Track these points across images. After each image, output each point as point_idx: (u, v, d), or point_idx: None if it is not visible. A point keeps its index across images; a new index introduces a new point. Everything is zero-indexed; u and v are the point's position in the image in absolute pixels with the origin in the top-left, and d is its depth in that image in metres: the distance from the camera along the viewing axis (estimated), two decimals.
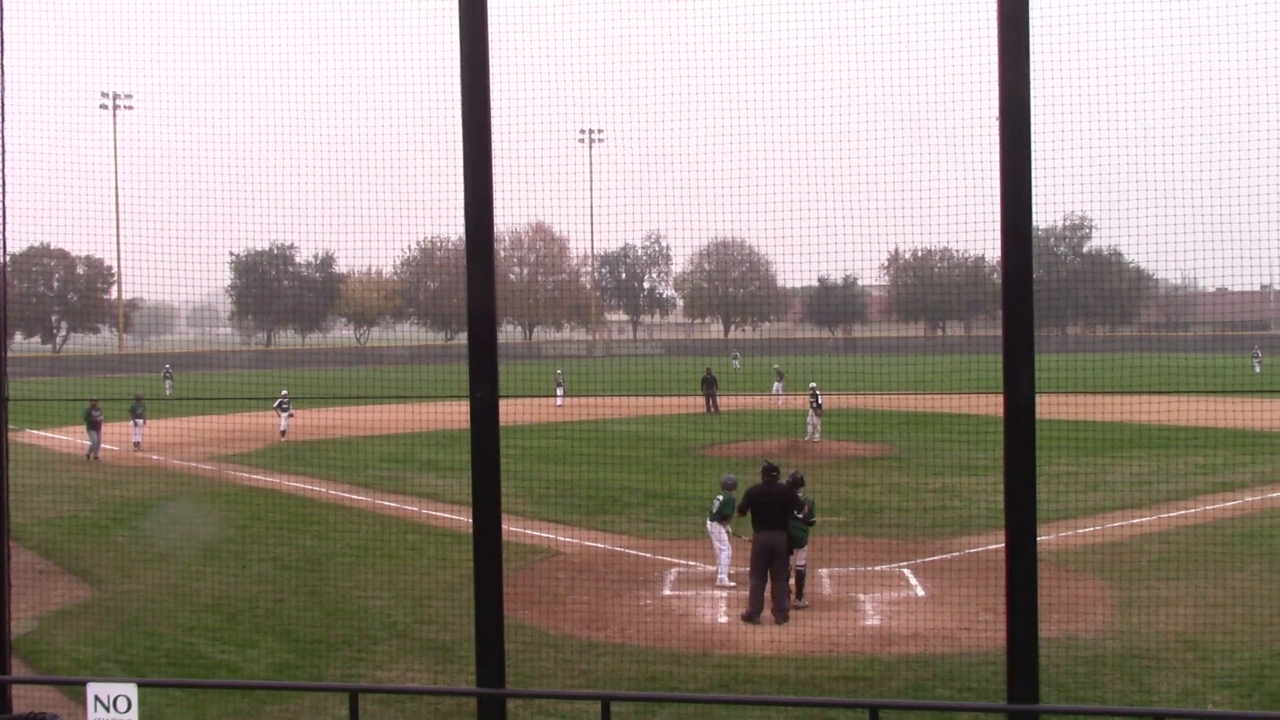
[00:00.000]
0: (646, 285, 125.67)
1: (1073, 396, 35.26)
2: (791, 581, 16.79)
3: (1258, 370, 67.14)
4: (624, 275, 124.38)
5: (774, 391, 54.10)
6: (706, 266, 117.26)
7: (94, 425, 35.17)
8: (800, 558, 17.08)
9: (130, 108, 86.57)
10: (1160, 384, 46.98)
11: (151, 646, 15.48)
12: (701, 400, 50.58)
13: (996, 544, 16.24)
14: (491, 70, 9.47)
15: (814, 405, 37.94)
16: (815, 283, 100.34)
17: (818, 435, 37.63)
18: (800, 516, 16.82)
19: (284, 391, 41.71)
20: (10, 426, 10.46)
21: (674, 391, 53.15)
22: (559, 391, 52.95)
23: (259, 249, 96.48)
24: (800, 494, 17.24)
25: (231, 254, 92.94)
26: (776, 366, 57.53)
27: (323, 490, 28.77)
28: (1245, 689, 13.07)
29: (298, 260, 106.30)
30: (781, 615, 16.13)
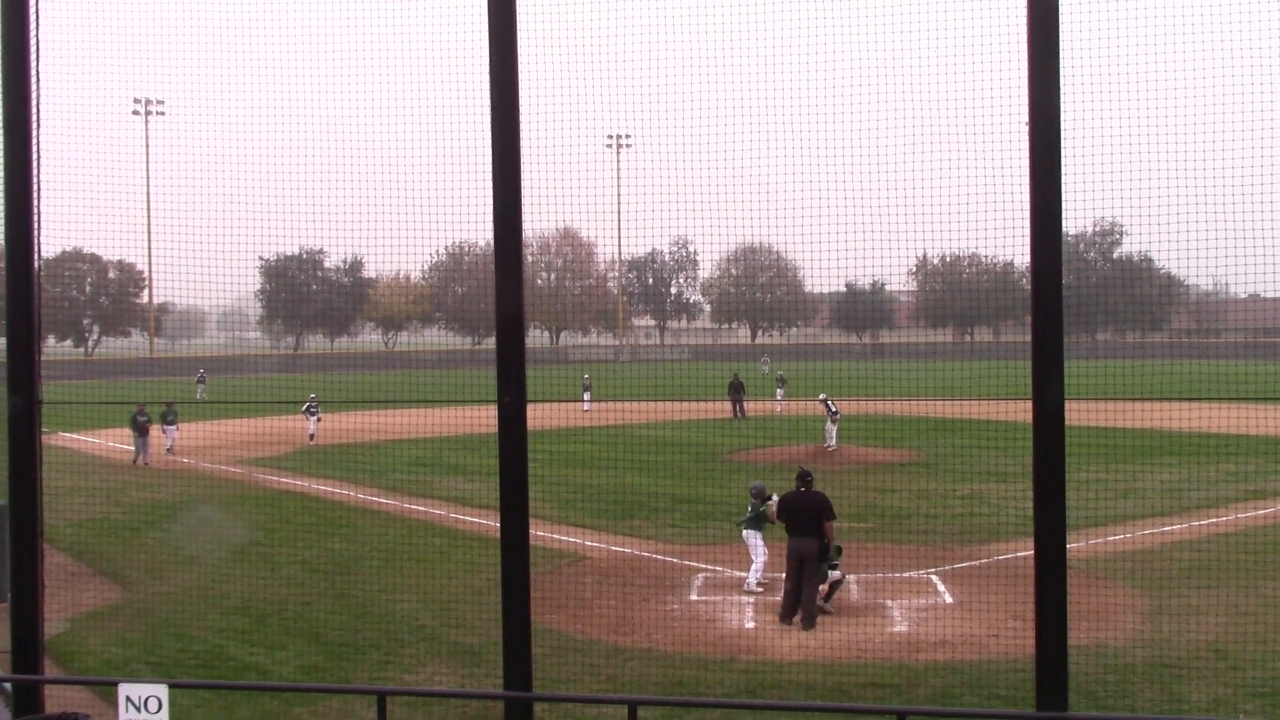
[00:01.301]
0: (673, 290, 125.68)
1: (1103, 403, 35.04)
2: (824, 586, 16.81)
3: None
4: (651, 280, 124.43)
5: (776, 397, 54.11)
6: (733, 271, 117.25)
7: (141, 430, 35.25)
8: (837, 569, 17.12)
9: (162, 114, 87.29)
10: (1191, 390, 46.50)
11: (181, 648, 15.59)
12: (728, 405, 50.55)
13: (1025, 551, 16.14)
14: (520, 75, 9.50)
15: (830, 414, 37.73)
16: (843, 288, 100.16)
17: (834, 442, 37.41)
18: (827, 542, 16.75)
19: (313, 395, 41.93)
20: (43, 429, 10.56)
21: (701, 397, 53.12)
22: (586, 396, 53.06)
23: (288, 254, 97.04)
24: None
25: (261, 259, 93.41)
26: (780, 373, 57.51)
27: (351, 494, 28.91)
28: (1277, 698, 12.95)
29: (326, 265, 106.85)
30: (809, 622, 16.11)
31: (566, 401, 51.36)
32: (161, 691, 8.41)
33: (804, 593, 16.29)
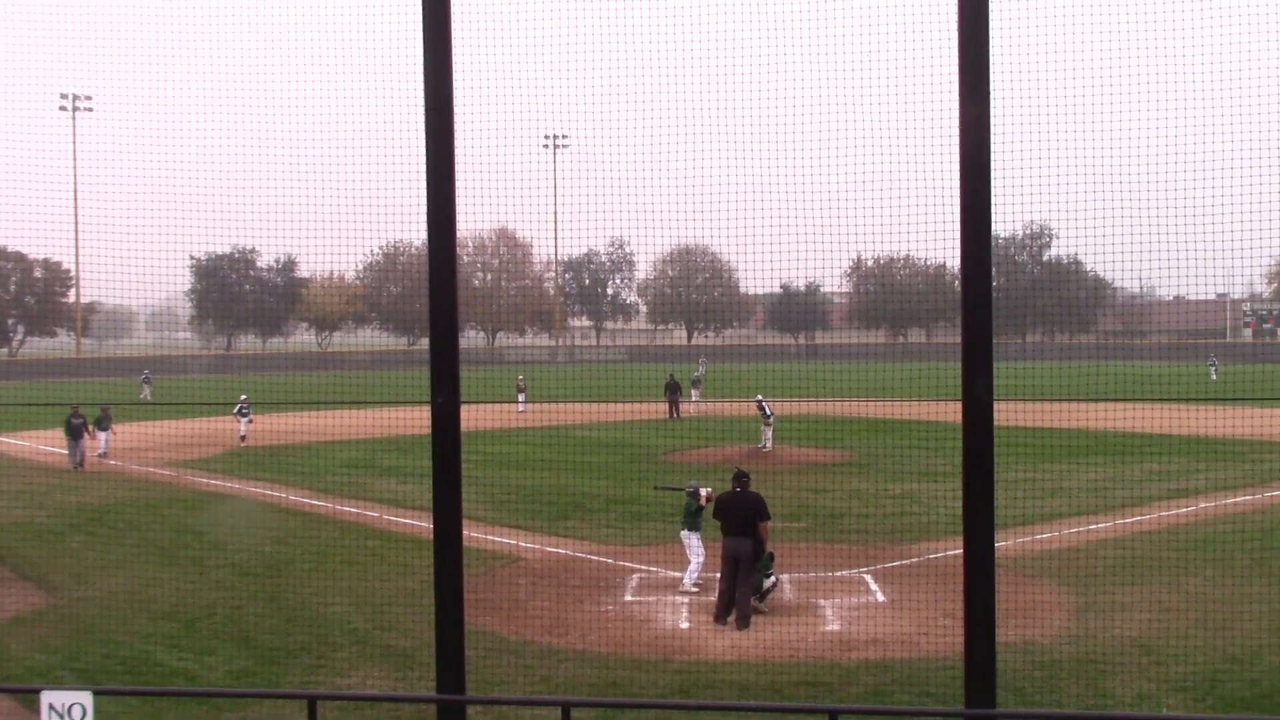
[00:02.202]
0: (610, 291, 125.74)
1: (1032, 403, 35.54)
2: (768, 584, 16.99)
3: (1214, 378, 67.94)
4: (588, 281, 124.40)
5: (692, 399, 54.37)
6: (670, 272, 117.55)
7: (75, 434, 34.43)
8: (771, 576, 17.23)
9: (90, 109, 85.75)
10: (1118, 391, 47.43)
11: (107, 654, 15.31)
12: (664, 406, 50.70)
13: (956, 549, 16.36)
14: (455, 75, 9.45)
15: (764, 416, 37.89)
16: (778, 289, 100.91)
17: (769, 443, 37.60)
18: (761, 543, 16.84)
19: (243, 396, 41.38)
20: None
21: (637, 397, 53.20)
22: (520, 398, 52.91)
23: (220, 252, 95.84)
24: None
25: (192, 257, 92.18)
26: (696, 374, 57.79)
27: (282, 496, 28.57)
28: (1199, 693, 13.23)
29: (259, 264, 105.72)
30: (743, 622, 16.20)
31: (502, 402, 51.21)
32: (86, 699, 8.26)
33: (738, 593, 16.38)
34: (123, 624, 16.71)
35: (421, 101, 9.38)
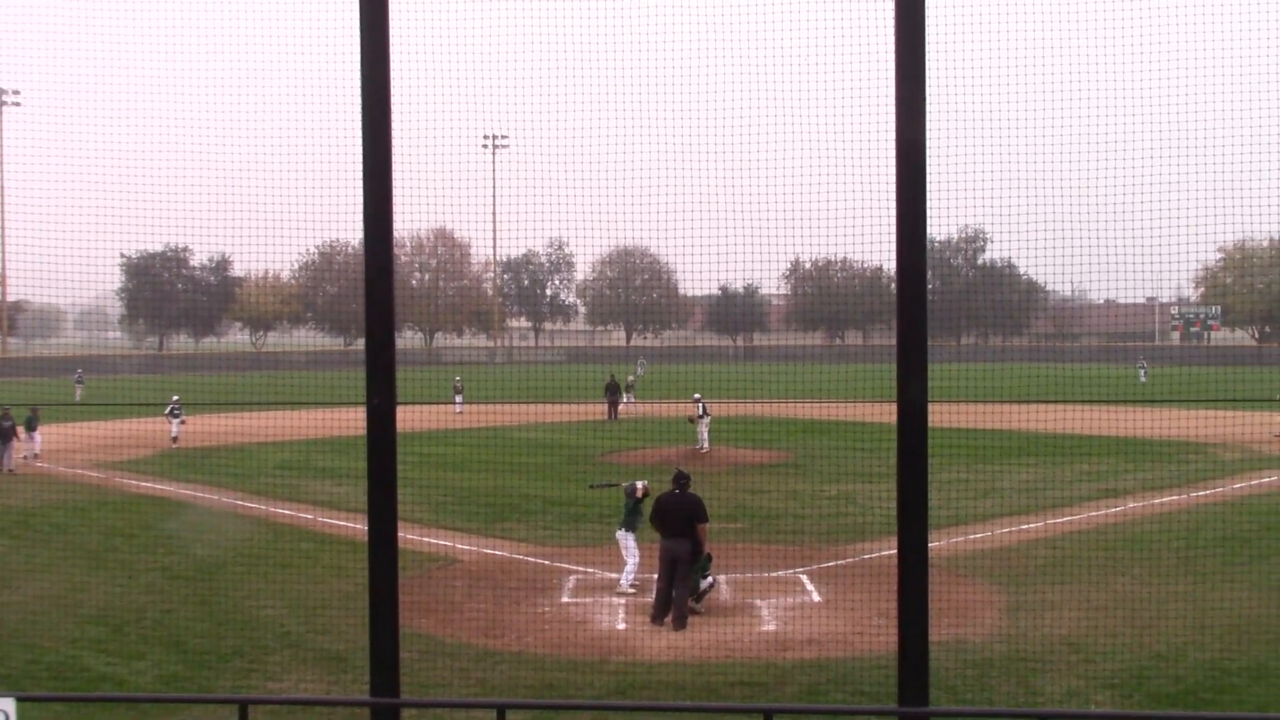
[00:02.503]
0: (549, 292, 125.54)
1: (967, 405, 36.00)
2: (705, 585, 17.05)
3: (1143, 380, 69.21)
4: (527, 282, 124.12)
5: (625, 400, 54.45)
6: (609, 274, 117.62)
7: (4, 436, 33.62)
8: (709, 578, 17.29)
9: (18, 104, 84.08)
10: (1050, 393, 48.18)
11: (32, 659, 14.98)
12: (604, 407, 50.73)
13: (891, 550, 16.52)
14: (393, 73, 9.37)
15: (699, 416, 37.94)
16: (717, 291, 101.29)
17: (706, 445, 37.69)
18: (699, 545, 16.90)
19: (175, 397, 40.75)
20: None
21: (576, 398, 53.16)
22: (458, 399, 52.60)
23: (152, 250, 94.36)
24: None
25: (123, 255, 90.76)
26: (631, 377, 57.91)
27: (215, 498, 28.18)
28: (1126, 689, 13.46)
29: (192, 263, 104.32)
30: (680, 622, 16.23)
31: (439, 403, 50.88)
32: (9, 705, 8.08)
33: (675, 593, 16.42)
34: (48, 629, 16.37)
35: (359, 99, 9.29)
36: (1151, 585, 18.06)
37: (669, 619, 16.35)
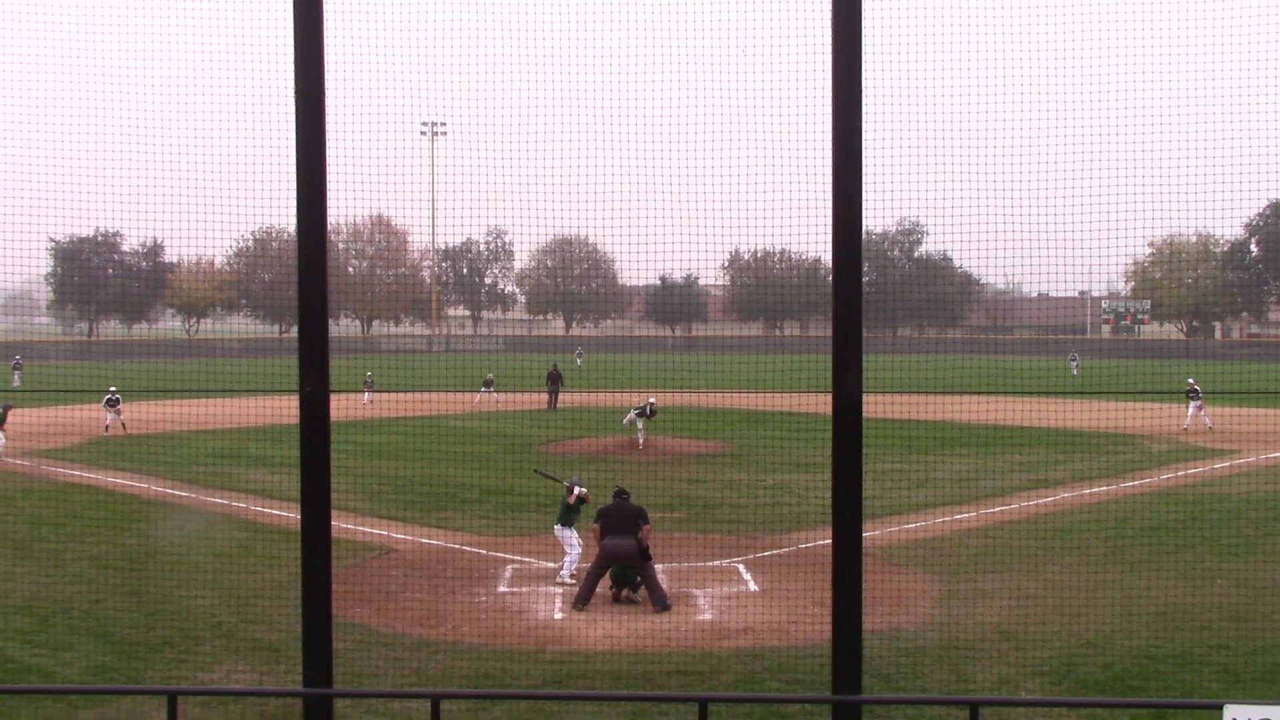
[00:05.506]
0: (488, 280, 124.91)
1: (902, 396, 36.40)
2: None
3: (1075, 373, 70.38)
4: (465, 270, 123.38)
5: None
6: (549, 263, 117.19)
7: None
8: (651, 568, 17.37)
9: None
10: (984, 385, 48.81)
11: None
12: (543, 396, 50.56)
13: (827, 539, 16.66)
14: (327, 57, 9.24)
15: (644, 412, 37.42)
16: (656, 281, 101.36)
17: (643, 439, 37.03)
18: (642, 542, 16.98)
19: (112, 388, 40.01)
20: None
21: (515, 388, 53.00)
22: (366, 395, 50.43)
23: (81, 235, 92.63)
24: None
25: (51, 240, 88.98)
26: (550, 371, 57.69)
27: (146, 487, 27.73)
28: (1056, 677, 13.68)
29: (123, 248, 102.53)
30: (660, 604, 16.60)
31: (374, 392, 50.42)
32: None
33: (644, 577, 16.81)
34: None
35: (292, 84, 9.15)
36: (1082, 574, 18.37)
37: (624, 595, 17.01)
